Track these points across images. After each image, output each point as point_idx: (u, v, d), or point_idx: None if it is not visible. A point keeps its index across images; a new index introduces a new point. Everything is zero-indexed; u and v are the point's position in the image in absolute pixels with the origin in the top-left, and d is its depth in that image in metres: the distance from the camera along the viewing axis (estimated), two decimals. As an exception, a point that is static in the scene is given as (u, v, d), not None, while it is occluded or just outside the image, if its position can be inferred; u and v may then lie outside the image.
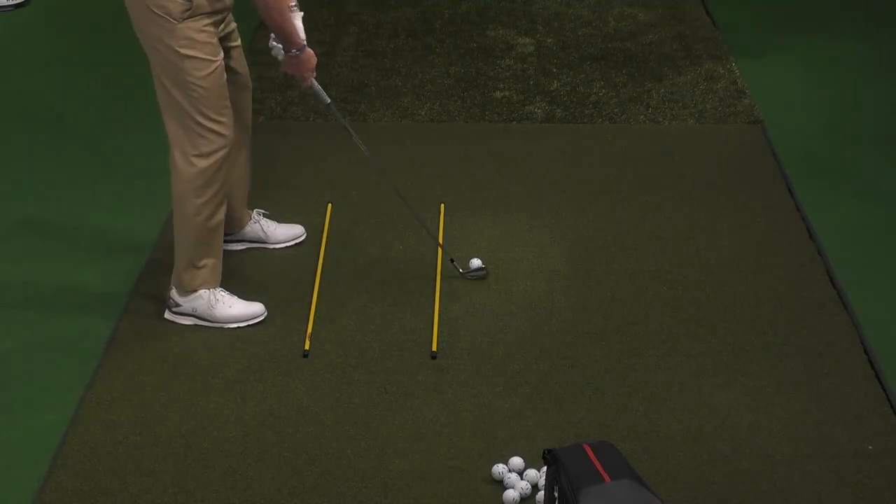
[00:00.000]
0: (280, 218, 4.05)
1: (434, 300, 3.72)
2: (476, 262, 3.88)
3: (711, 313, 3.68)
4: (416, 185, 4.38)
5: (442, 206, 4.26)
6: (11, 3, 6.02)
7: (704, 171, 4.53)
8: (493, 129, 4.90)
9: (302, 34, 3.49)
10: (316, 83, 3.63)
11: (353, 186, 4.39)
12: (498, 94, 5.16)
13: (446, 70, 5.40)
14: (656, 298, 3.75)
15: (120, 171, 4.56)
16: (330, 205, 4.25)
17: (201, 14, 3.31)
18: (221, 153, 3.46)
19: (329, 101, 3.70)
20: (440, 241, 3.98)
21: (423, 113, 5.01)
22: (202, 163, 3.44)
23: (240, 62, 3.64)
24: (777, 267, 3.92)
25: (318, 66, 3.60)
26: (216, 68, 3.39)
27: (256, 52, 4.71)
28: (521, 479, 3.01)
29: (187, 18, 3.29)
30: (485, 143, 4.77)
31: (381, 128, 4.90)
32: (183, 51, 3.31)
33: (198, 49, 3.33)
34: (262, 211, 4.02)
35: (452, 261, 3.81)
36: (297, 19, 3.51)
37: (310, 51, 3.52)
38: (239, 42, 3.61)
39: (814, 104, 5.16)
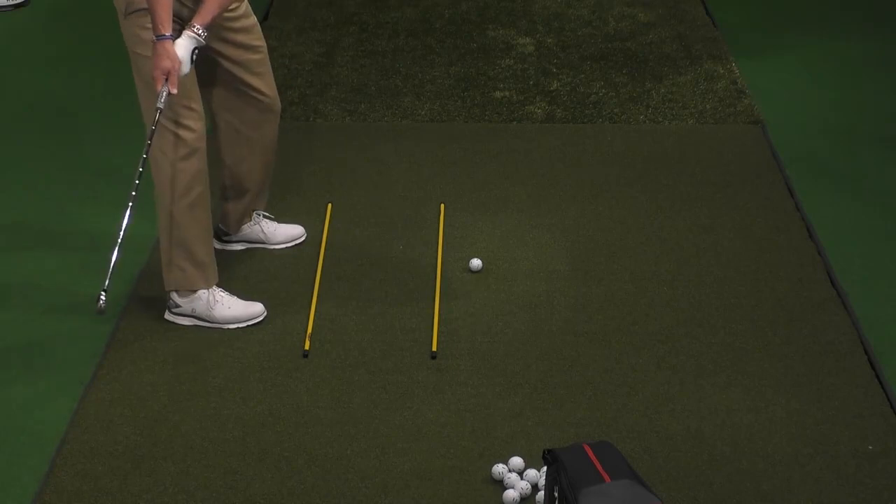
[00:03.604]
0: (280, 218, 4.05)
1: (434, 300, 3.72)
2: (476, 263, 3.88)
3: (711, 313, 3.68)
4: (416, 185, 4.38)
5: (442, 206, 4.25)
6: (11, 3, 6.02)
7: (704, 171, 4.53)
8: (493, 129, 4.90)
9: (169, 30, 3.18)
10: (164, 91, 3.22)
11: (353, 186, 4.39)
12: (498, 94, 5.16)
13: (446, 70, 5.39)
14: (656, 298, 3.75)
15: (120, 171, 4.56)
16: (330, 205, 4.25)
17: (140, 10, 3.26)
18: (192, 150, 3.41)
19: (161, 106, 3.26)
20: (440, 241, 3.99)
21: (423, 113, 5.01)
22: (179, 162, 3.41)
23: (265, 80, 3.56)
24: (777, 267, 3.92)
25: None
26: None
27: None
28: (521, 479, 3.00)
29: (131, 13, 3.27)
30: (485, 143, 4.77)
31: (381, 128, 4.90)
32: (134, 48, 3.32)
33: (145, 47, 3.29)
34: (262, 211, 4.01)
35: None
36: (184, 37, 3.25)
37: (167, 46, 3.20)
38: (260, 55, 3.54)
39: (814, 104, 5.16)
